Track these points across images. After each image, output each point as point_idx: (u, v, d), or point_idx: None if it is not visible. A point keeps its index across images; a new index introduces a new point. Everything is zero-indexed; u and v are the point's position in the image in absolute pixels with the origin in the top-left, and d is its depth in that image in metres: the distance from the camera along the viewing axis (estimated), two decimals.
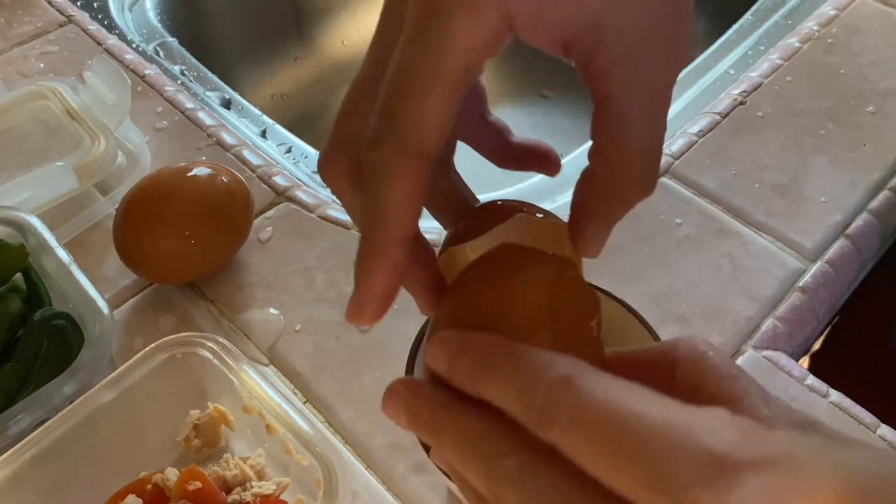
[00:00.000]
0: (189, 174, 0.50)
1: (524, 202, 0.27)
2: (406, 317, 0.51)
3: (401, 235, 0.22)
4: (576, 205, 0.24)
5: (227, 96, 0.70)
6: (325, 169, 0.25)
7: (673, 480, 0.17)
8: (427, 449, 0.35)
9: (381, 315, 0.23)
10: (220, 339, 0.44)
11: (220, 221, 0.50)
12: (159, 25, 0.77)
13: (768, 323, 0.49)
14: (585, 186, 0.24)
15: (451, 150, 0.28)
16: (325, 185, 0.25)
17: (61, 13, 0.75)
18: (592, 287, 0.25)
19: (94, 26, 0.73)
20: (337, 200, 0.59)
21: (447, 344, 0.22)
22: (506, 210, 0.26)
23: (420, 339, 0.39)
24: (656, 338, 0.37)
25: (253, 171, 0.60)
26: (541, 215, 0.26)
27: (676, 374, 0.22)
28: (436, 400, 0.22)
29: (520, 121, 0.89)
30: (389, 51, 0.22)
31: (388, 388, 0.24)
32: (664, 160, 0.59)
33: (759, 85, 0.64)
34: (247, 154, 0.61)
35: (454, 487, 0.35)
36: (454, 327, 0.23)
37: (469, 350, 0.22)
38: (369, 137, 0.21)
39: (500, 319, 0.22)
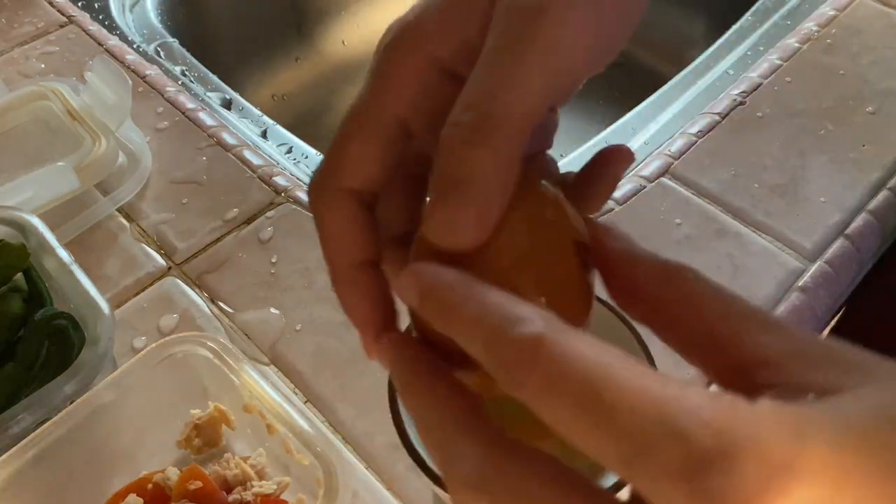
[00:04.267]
0: None
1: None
2: (406, 317, 0.51)
3: (344, 262, 0.23)
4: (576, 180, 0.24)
5: (227, 97, 0.70)
6: (312, 197, 0.25)
7: (649, 462, 0.16)
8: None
9: (373, 341, 0.24)
10: (221, 339, 0.44)
11: None
12: (160, 26, 0.77)
13: None
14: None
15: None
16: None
17: (62, 14, 0.75)
18: (589, 220, 0.24)
19: (94, 27, 0.73)
20: None
21: (418, 278, 0.21)
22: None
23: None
24: (646, 351, 0.36)
25: (253, 172, 0.60)
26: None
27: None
28: (412, 365, 0.21)
29: None
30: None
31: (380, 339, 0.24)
32: (663, 160, 0.59)
33: (759, 85, 0.64)
34: (247, 154, 0.61)
35: (440, 492, 0.35)
36: (431, 261, 0.21)
37: (439, 288, 0.20)
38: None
39: (476, 259, 0.21)
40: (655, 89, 0.67)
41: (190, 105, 0.65)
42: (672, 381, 0.17)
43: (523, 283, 0.21)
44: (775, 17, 0.71)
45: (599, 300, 0.38)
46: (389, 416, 0.47)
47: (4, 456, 0.39)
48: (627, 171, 0.59)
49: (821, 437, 0.16)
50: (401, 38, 0.23)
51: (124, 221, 0.57)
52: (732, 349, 0.19)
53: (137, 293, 0.53)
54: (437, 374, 0.21)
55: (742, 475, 0.16)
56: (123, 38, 0.73)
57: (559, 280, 0.22)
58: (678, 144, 0.60)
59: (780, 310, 0.50)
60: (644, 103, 0.65)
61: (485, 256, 0.21)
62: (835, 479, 0.16)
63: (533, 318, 0.18)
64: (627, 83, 0.82)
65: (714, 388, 0.19)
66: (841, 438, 0.16)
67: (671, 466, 0.16)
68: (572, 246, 0.22)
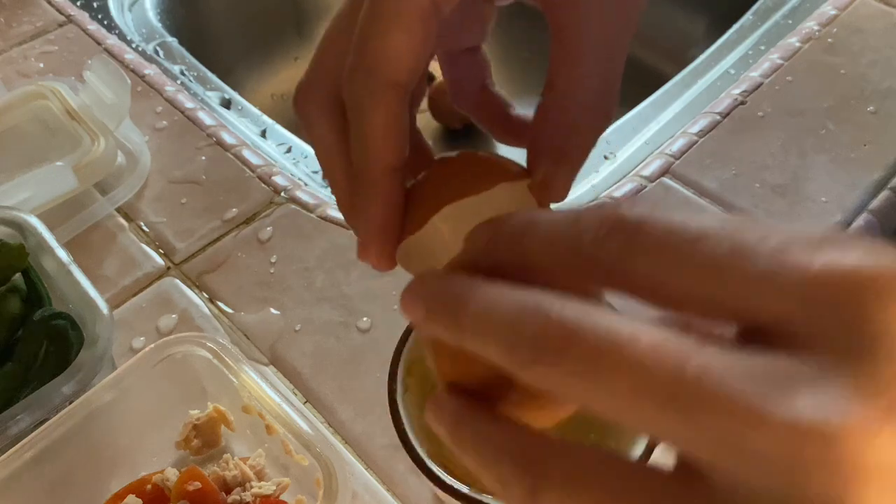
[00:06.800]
0: None
1: (496, 155, 0.24)
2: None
3: (386, 165, 0.22)
4: (531, 144, 0.24)
5: (226, 96, 0.70)
6: (301, 101, 0.25)
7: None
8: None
9: (388, 250, 0.23)
10: (220, 339, 0.44)
11: None
12: (159, 25, 0.77)
13: None
14: (539, 121, 0.24)
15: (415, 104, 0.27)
16: (297, 115, 0.25)
17: (61, 13, 0.74)
18: None
19: (93, 26, 0.73)
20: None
21: (418, 290, 0.20)
22: (479, 165, 0.24)
23: (406, 335, 0.38)
24: None
25: (253, 171, 0.60)
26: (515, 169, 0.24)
27: None
28: (455, 415, 0.19)
29: None
30: None
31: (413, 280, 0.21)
32: (664, 160, 0.59)
33: (760, 85, 0.64)
34: (246, 154, 0.61)
35: (440, 493, 0.35)
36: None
37: (442, 294, 0.19)
38: (346, 74, 0.23)
39: None
40: (656, 89, 0.67)
41: (189, 104, 0.65)
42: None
43: None
44: (776, 17, 0.71)
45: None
46: (389, 416, 0.46)
47: (3, 457, 0.39)
48: (628, 170, 0.59)
49: None
50: None
51: (123, 221, 0.57)
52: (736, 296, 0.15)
53: (136, 293, 0.53)
54: (477, 415, 0.19)
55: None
56: (122, 37, 0.73)
57: None
58: (679, 144, 0.60)
59: None
60: (644, 103, 0.65)
61: None
62: None
63: (555, 300, 0.16)
64: (628, 82, 0.82)
65: None
66: None
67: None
68: None
